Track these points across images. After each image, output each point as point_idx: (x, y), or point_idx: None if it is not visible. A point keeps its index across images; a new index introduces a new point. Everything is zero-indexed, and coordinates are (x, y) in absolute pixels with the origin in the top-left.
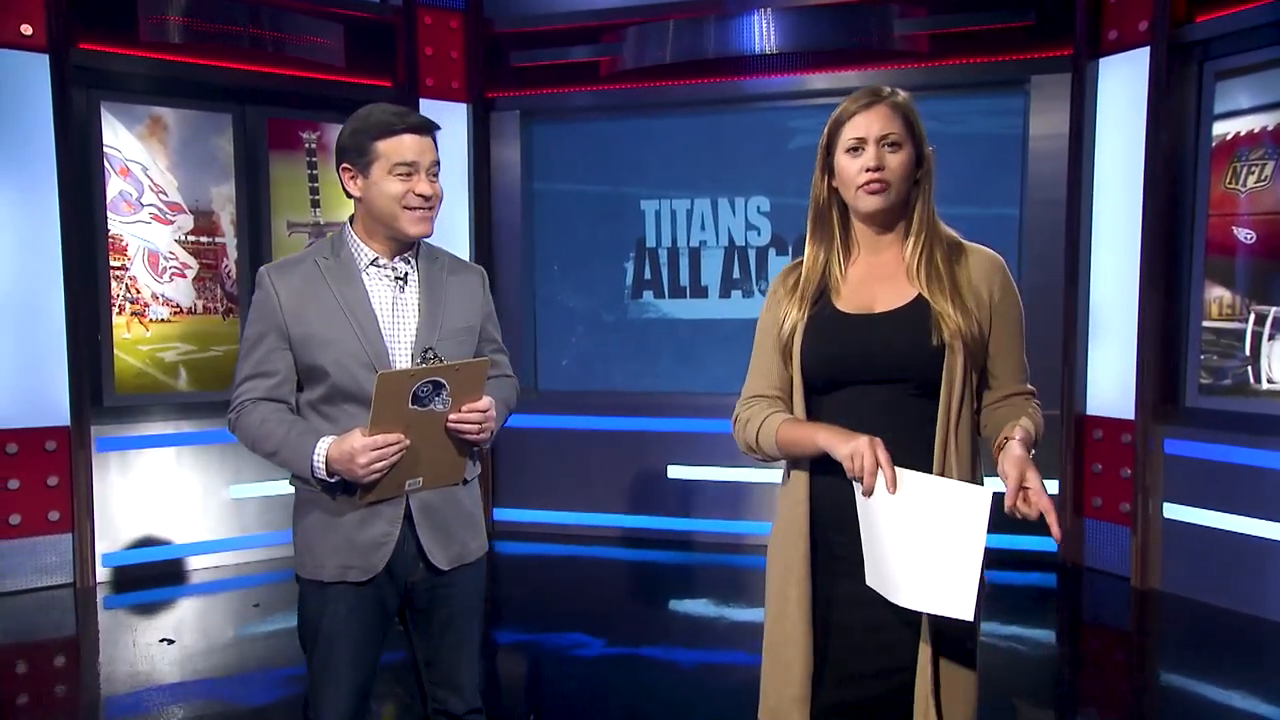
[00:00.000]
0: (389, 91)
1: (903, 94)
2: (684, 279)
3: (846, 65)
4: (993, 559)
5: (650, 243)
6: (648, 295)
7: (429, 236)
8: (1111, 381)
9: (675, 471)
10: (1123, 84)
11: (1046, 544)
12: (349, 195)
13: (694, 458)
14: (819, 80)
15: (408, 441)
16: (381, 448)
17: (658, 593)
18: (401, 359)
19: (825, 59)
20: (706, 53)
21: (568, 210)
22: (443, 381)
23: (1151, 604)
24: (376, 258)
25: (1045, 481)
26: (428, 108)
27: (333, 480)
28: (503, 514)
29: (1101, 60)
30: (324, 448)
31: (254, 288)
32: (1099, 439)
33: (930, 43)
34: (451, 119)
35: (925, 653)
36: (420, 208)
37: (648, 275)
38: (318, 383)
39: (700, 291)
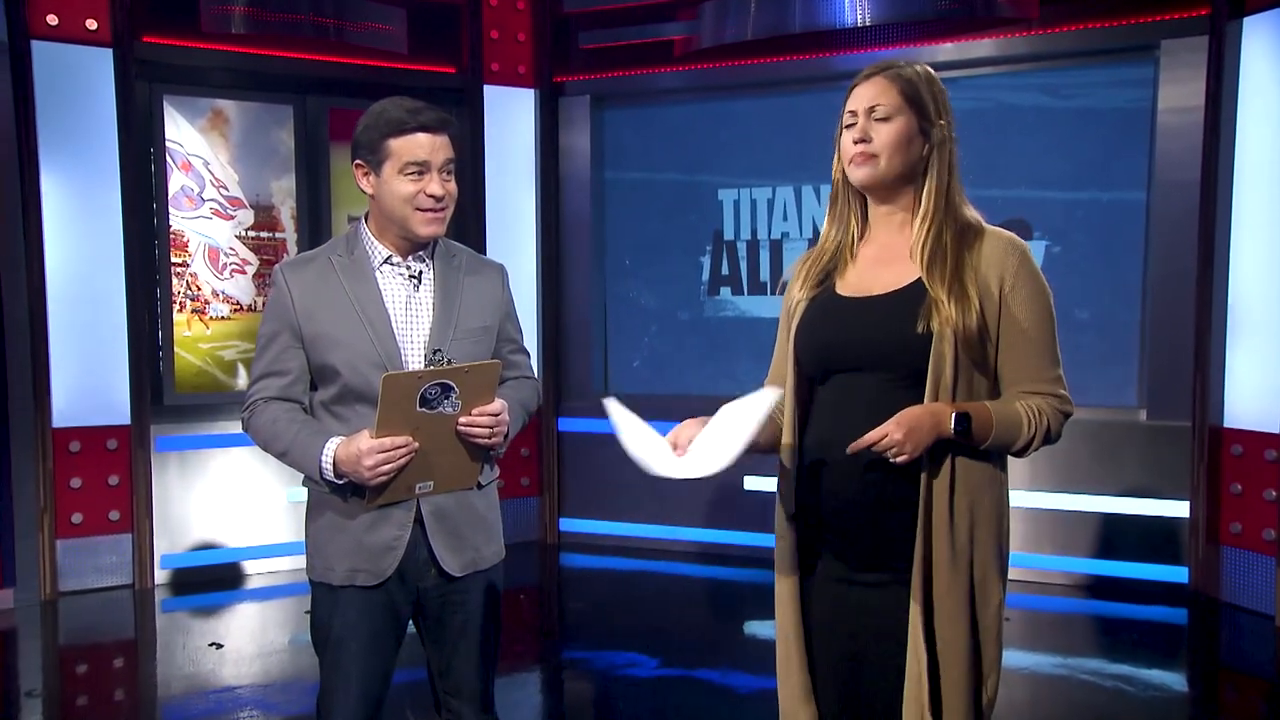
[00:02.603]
0: (453, 78)
1: (916, 67)
2: (764, 274)
3: (945, 37)
4: (1113, 589)
5: (728, 235)
6: (725, 292)
7: (440, 237)
8: (1253, 389)
9: (752, 483)
10: (1270, 46)
11: (1175, 573)
12: (362, 192)
13: (773, 468)
14: (916, 55)
15: (416, 444)
16: (388, 450)
17: (724, 612)
18: (414, 359)
19: (922, 30)
20: (791, 27)
21: (640, 201)
22: (451, 384)
23: None
24: (390, 255)
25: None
26: (493, 94)
27: (341, 482)
28: (569, 524)
29: (1245, 20)
30: (332, 449)
31: None
32: (1238, 455)
33: (1041, 7)
34: (518, 105)
35: (914, 658)
36: (431, 209)
37: (725, 270)
38: (330, 382)
39: (782, 288)
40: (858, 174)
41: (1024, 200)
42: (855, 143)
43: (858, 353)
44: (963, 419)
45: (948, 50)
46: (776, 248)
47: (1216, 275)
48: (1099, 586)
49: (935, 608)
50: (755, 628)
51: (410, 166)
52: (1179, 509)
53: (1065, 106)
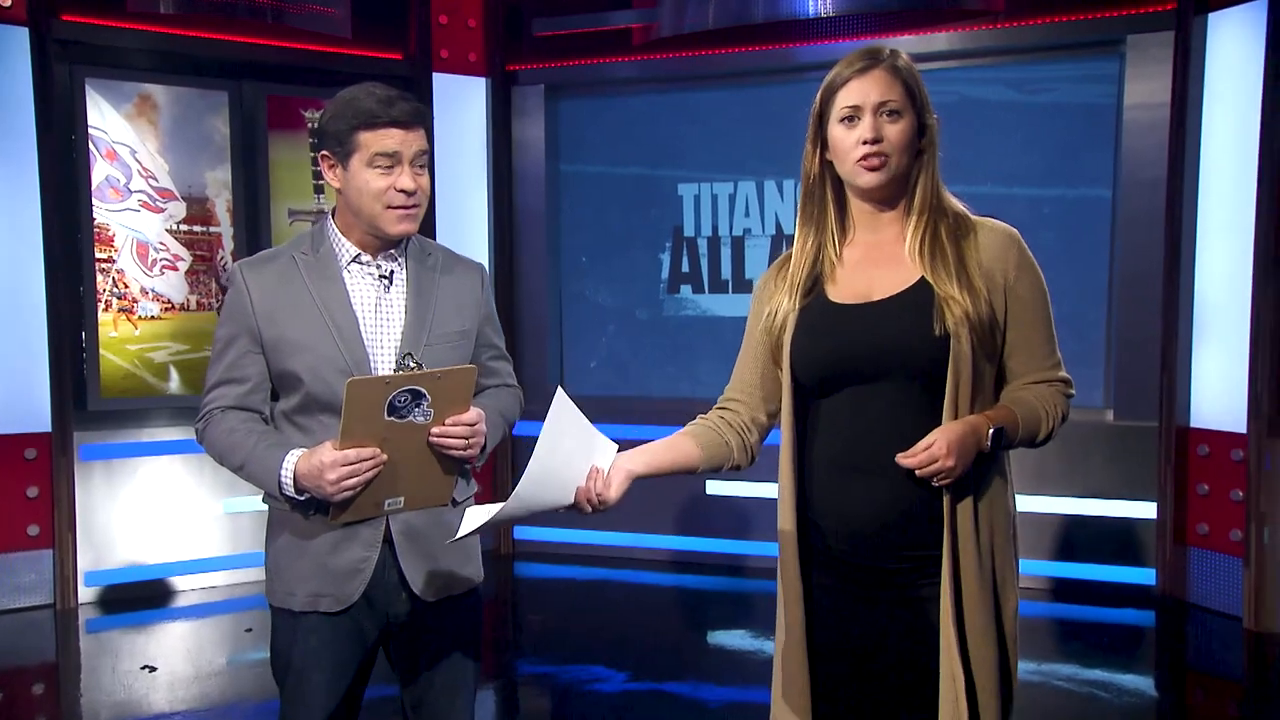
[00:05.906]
0: (399, 65)
1: (904, 56)
2: (726, 272)
3: (911, 29)
4: (1079, 592)
5: (689, 231)
6: (686, 290)
7: (412, 235)
8: (1220, 389)
9: (715, 487)
10: (1237, 42)
11: (1142, 575)
12: (329, 185)
13: (741, 473)
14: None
15: (384, 456)
16: (354, 463)
17: (693, 622)
18: (384, 366)
19: (887, 22)
20: (754, 17)
21: (597, 195)
22: (423, 391)
23: (1268, 648)
24: (359, 254)
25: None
26: (442, 82)
27: (303, 498)
28: (524, 532)
29: (1211, 15)
30: (292, 462)
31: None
32: (1205, 455)
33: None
34: (469, 95)
35: (950, 681)
36: (403, 205)
37: (686, 268)
38: (292, 391)
39: (744, 286)
40: (869, 179)
41: (989, 197)
42: (865, 143)
43: (873, 361)
44: (999, 434)
45: (910, 42)
46: (739, 244)
47: (1183, 274)
48: (1064, 589)
49: (967, 625)
50: (724, 638)
51: (380, 159)
52: (1146, 510)
53: (1031, 101)
